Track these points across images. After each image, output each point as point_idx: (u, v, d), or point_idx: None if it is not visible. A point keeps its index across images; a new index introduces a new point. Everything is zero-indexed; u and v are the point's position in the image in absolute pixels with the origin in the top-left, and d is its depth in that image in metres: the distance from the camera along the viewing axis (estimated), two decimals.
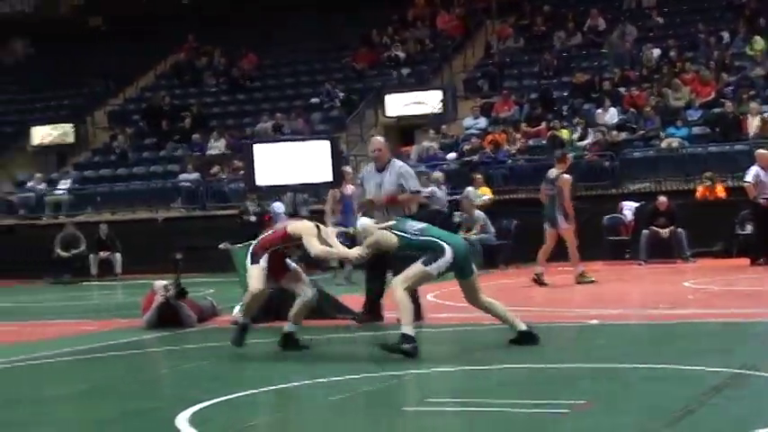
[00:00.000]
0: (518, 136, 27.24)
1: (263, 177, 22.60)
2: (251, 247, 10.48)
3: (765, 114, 24.88)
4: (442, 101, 29.82)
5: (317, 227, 10.27)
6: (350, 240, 10.46)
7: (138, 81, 37.09)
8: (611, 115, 26.83)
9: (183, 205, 28.98)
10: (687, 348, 9.86)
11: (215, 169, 29.26)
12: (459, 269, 9.84)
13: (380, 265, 12.01)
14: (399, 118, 30.25)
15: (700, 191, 23.48)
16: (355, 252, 10.11)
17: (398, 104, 30.07)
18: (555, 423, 6.69)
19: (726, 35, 29.56)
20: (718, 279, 17.22)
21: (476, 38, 34.17)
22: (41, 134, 33.94)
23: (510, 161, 26.60)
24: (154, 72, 37.41)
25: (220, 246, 15.16)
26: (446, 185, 23.64)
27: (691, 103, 26.68)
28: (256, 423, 7.13)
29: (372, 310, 12.55)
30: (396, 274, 10.15)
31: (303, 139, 24.66)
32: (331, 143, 22.76)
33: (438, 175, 23.98)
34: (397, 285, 9.69)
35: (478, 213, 22.72)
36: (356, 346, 11.07)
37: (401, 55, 33.33)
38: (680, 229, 21.64)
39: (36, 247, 26.44)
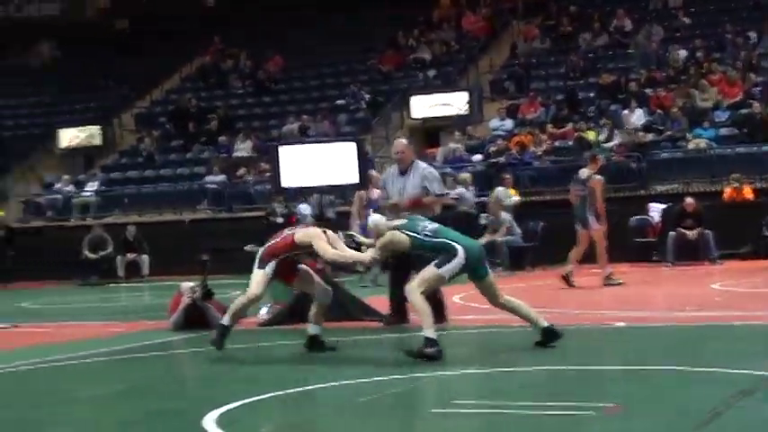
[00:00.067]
0: (544, 137, 27.18)
1: (288, 179, 22.54)
2: (259, 253, 10.44)
3: None
4: (467, 102, 29.82)
5: (324, 232, 10.22)
6: (356, 245, 10.41)
7: (164, 83, 37.21)
8: (638, 116, 26.73)
9: (210, 207, 29.06)
10: (715, 351, 9.82)
11: (241, 171, 29.35)
12: (473, 270, 9.79)
13: (405, 266, 12.00)
14: (425, 120, 30.25)
15: (727, 192, 23.38)
16: (368, 256, 10.04)
17: (424, 106, 30.07)
18: (583, 426, 6.67)
19: (753, 35, 29.42)
20: (746, 281, 17.13)
21: (502, 39, 34.12)
22: (69, 136, 34.11)
23: (536, 163, 26.54)
24: (180, 74, 37.53)
25: (246, 247, 15.20)
26: (474, 187, 23.63)
27: (718, 104, 26.56)
28: (283, 424, 7.14)
29: (398, 311, 12.53)
30: None
31: (329, 141, 24.64)
32: (357, 145, 22.72)
33: (466, 176, 23.96)
34: (412, 290, 9.65)
35: (505, 215, 22.69)
36: (383, 348, 11.06)
37: (427, 56, 33.33)
38: (707, 231, 21.55)
39: (64, 249, 26.53)
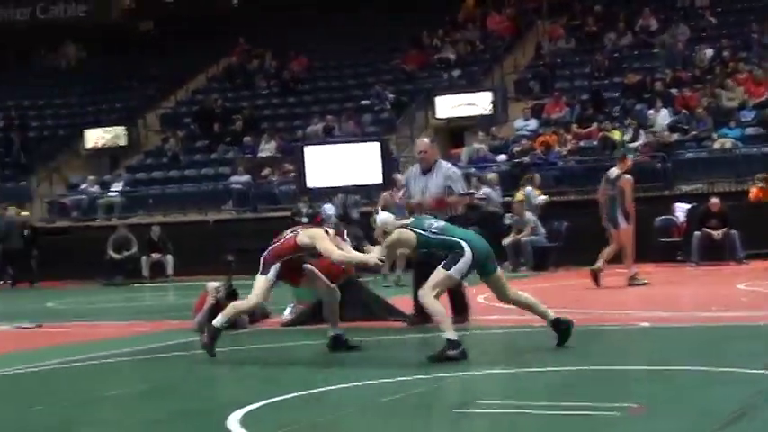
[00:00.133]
0: (569, 137, 27.12)
1: (313, 179, 22.63)
2: (263, 256, 10.33)
3: None
4: (492, 102, 29.77)
5: (327, 232, 10.17)
6: (356, 241, 10.35)
7: (189, 84, 37.32)
8: (663, 116, 26.62)
9: (234, 207, 29.12)
10: (740, 351, 9.75)
11: (266, 171, 29.39)
12: (481, 266, 9.74)
13: (428, 266, 11.96)
14: (449, 120, 30.24)
15: (753, 192, 23.26)
16: (374, 257, 9.97)
17: (448, 106, 30.05)
18: (607, 426, 6.64)
19: None
20: None
21: (526, 39, 34.06)
22: (94, 137, 34.25)
23: (561, 163, 26.48)
24: (205, 75, 37.63)
25: None
26: (499, 187, 23.61)
27: (744, 104, 26.44)
28: (307, 424, 7.13)
29: (422, 311, 12.41)
30: None
31: (353, 141, 24.66)
32: (381, 145, 22.76)
33: (492, 176, 23.94)
34: (425, 295, 9.62)
35: (529, 215, 22.65)
36: (406, 349, 11.04)
37: (451, 56, 33.30)
38: (733, 231, 21.45)
39: (89, 249, 26.63)
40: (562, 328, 9.89)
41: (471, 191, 19.62)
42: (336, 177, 22.26)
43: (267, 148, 30.60)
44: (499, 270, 10.02)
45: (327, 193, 23.28)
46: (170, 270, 25.86)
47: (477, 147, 27.58)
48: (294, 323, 13.11)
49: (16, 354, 11.76)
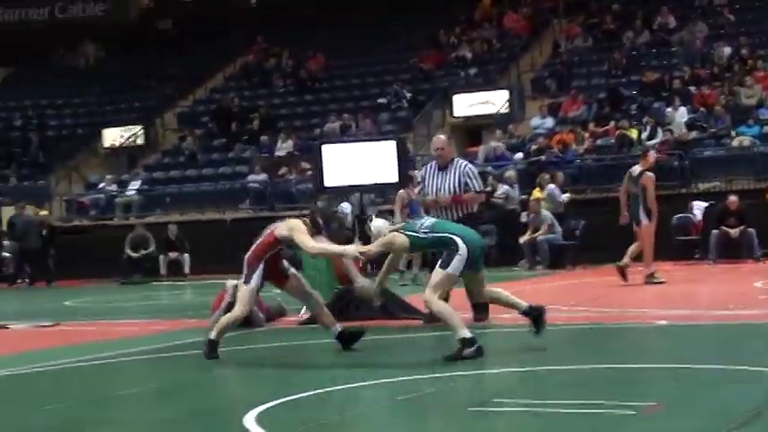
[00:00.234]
0: (586, 135, 27.07)
1: (331, 178, 22.59)
2: (246, 258, 10.29)
3: None
4: (508, 101, 29.77)
5: (305, 223, 10.14)
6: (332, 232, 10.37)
7: (207, 83, 37.38)
8: (681, 114, 26.55)
9: (251, 206, 29.13)
10: (757, 349, 9.72)
11: (283, 170, 29.42)
12: (474, 262, 9.64)
13: None
14: (466, 118, 30.23)
15: None
16: (352, 248, 10.01)
17: (465, 104, 30.06)
18: (623, 425, 6.62)
19: None
20: None
21: (543, 37, 34.02)
22: (112, 136, 34.37)
23: (578, 161, 26.44)
24: (223, 74, 37.69)
25: None
26: (517, 185, 23.60)
27: (762, 102, 26.36)
28: (324, 423, 7.13)
29: None
30: None
31: (370, 140, 24.64)
32: (397, 144, 22.72)
33: (511, 174, 23.90)
34: (429, 298, 9.62)
35: (545, 213, 22.62)
36: (422, 347, 11.05)
37: (468, 55, 33.28)
38: (750, 229, 21.39)
39: (106, 248, 26.71)
40: (534, 315, 9.89)
41: (488, 188, 19.62)
42: (354, 176, 22.24)
43: (284, 147, 30.62)
44: (483, 270, 9.99)
45: (345, 192, 23.26)
46: (187, 269, 25.93)
47: (494, 145, 27.55)
48: (311, 322, 13.10)
49: (33, 352, 11.79)
